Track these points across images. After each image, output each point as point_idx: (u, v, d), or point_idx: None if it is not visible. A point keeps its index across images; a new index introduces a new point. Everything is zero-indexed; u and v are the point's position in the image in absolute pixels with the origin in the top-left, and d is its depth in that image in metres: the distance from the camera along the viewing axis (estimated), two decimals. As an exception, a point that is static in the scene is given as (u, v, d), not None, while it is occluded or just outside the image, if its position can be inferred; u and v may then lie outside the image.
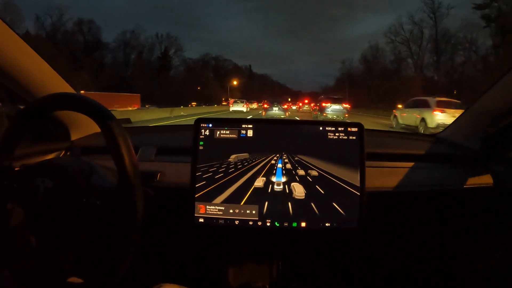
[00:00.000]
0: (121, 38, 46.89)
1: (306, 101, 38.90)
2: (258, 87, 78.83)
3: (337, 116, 15.27)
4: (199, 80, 53.14)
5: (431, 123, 8.43)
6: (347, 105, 16.67)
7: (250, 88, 71.23)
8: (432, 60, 37.12)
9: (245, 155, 0.75)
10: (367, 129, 0.77)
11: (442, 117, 8.16)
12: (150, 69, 46.54)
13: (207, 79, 56.21)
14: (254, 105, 34.54)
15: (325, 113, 15.84)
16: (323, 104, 16.58)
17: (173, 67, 52.12)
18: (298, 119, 0.89)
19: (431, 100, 9.00)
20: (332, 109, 15.94)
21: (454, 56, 34.50)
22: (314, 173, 0.74)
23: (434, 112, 8.45)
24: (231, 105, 25.66)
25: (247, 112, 23.97)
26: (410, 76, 36.41)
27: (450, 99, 9.39)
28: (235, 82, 59.68)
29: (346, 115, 15.44)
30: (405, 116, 10.33)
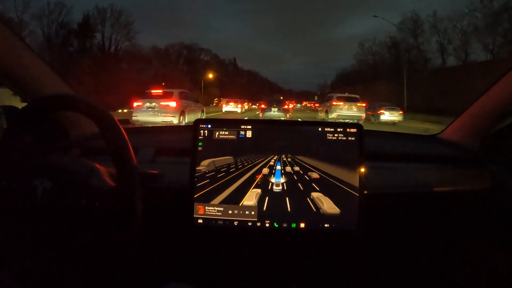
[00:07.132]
0: (41, 14, 31.32)
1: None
2: (245, 85, 67.79)
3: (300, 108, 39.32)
4: (158, 72, 38.07)
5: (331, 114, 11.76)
6: (304, 103, 46.72)
7: (234, 86, 58.67)
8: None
9: (229, 158, 0.74)
10: (366, 130, 0.77)
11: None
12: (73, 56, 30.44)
13: (181, 73, 43.70)
14: (246, 106, 27.87)
15: (295, 108, 36.99)
16: (293, 103, 40.13)
17: (118, 54, 35.90)
18: (298, 120, 0.89)
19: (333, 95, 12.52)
20: (297, 107, 39.18)
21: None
22: (313, 174, 0.74)
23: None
24: (223, 105, 23.26)
25: (242, 113, 22.19)
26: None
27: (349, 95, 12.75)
28: (210, 75, 44.12)
29: (302, 108, 39.93)
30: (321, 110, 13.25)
